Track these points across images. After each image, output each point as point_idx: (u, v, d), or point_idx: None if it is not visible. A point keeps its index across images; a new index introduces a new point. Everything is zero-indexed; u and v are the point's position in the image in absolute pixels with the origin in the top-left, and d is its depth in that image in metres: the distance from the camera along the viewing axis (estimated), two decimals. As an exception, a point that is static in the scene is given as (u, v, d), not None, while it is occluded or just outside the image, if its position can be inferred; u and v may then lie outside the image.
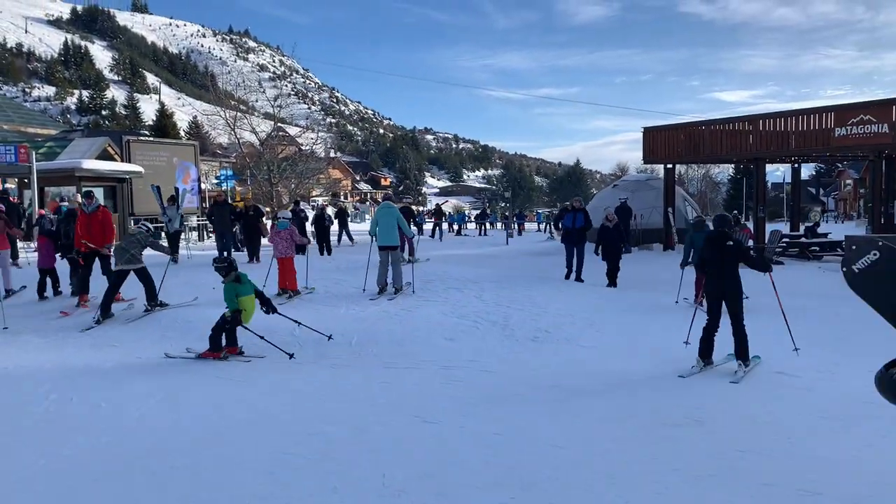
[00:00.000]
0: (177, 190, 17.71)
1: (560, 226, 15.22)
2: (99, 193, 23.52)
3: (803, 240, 20.92)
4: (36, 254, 12.61)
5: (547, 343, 8.72)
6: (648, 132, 22.18)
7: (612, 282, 13.35)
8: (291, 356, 8.05)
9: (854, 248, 3.45)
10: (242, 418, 5.80)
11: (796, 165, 24.53)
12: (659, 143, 21.91)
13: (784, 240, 20.73)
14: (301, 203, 26.50)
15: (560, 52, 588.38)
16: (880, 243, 3.46)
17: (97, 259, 11.23)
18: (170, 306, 10.87)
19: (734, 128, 20.27)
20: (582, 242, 13.93)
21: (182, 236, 18.66)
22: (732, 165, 49.10)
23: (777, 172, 58.07)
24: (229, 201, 19.05)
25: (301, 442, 5.16)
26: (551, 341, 8.82)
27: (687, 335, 7.86)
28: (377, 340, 8.88)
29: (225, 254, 15.31)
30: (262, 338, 8.15)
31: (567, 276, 13.86)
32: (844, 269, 3.43)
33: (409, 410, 5.95)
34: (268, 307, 8.50)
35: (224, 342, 8.15)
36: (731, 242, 7.33)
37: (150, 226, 12.07)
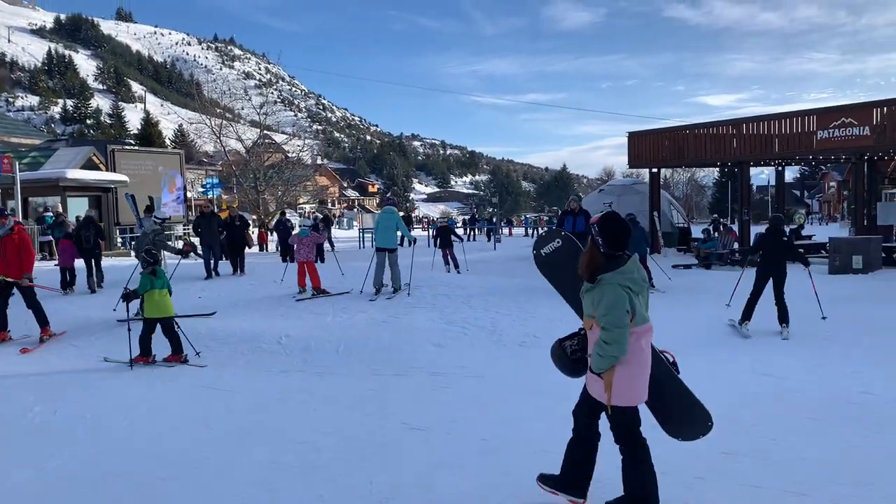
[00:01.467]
0: (151, 199, 16.34)
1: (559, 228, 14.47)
2: (83, 203, 23.45)
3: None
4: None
5: (535, 348, 8.72)
6: (634, 137, 22.32)
7: None
8: (198, 354, 8.55)
9: (543, 236, 4.50)
10: (230, 427, 5.77)
11: (780, 168, 24.78)
12: (644, 147, 22.05)
13: (769, 242, 20.85)
14: (287, 213, 26.39)
15: (547, 57, 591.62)
16: (563, 233, 4.50)
17: (18, 292, 9.41)
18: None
19: (718, 132, 20.44)
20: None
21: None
22: (717, 169, 49.45)
23: (762, 175, 58.73)
24: (216, 211, 18.36)
25: (289, 450, 5.14)
26: (539, 346, 8.82)
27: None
28: (364, 347, 8.86)
29: (212, 264, 15.24)
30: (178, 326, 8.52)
31: None
32: (534, 252, 4.45)
33: (397, 417, 5.94)
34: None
35: (139, 351, 8.30)
36: (786, 238, 9.51)
37: (161, 218, 12.59)
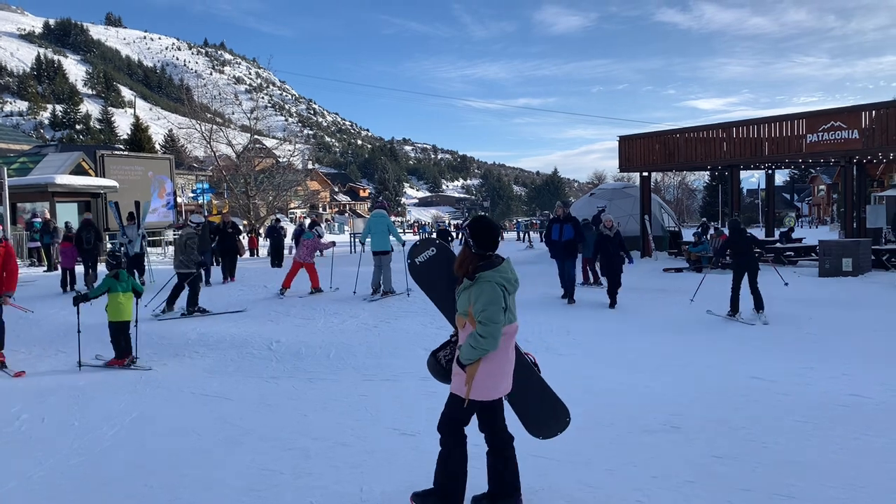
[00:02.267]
0: (137, 205, 15.56)
1: (548, 237, 13.40)
2: (72, 209, 23.33)
3: (778, 245, 21.17)
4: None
5: (527, 349, 8.72)
6: (624, 141, 22.40)
7: (612, 301, 11.87)
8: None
9: (418, 244, 4.68)
10: (219, 435, 5.72)
11: (770, 172, 24.89)
12: (635, 151, 22.12)
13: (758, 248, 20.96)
14: (281, 221, 26.31)
15: (537, 62, 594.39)
16: (437, 242, 4.68)
17: None
18: (210, 313, 11.61)
19: (708, 135, 20.53)
20: (572, 257, 12.35)
21: (146, 258, 16.26)
22: (708, 173, 49.66)
23: (752, 179, 58.98)
24: (206, 217, 18.21)
25: (279, 457, 5.11)
26: (530, 350, 8.81)
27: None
28: (355, 353, 8.82)
29: (203, 273, 15.04)
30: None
31: (564, 297, 12.43)
32: (409, 260, 4.65)
33: (388, 423, 5.91)
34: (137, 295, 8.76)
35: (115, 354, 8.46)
36: (748, 235, 11.25)
37: (197, 223, 12.98)
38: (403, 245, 13.40)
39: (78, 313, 8.54)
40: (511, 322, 3.92)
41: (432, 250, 4.54)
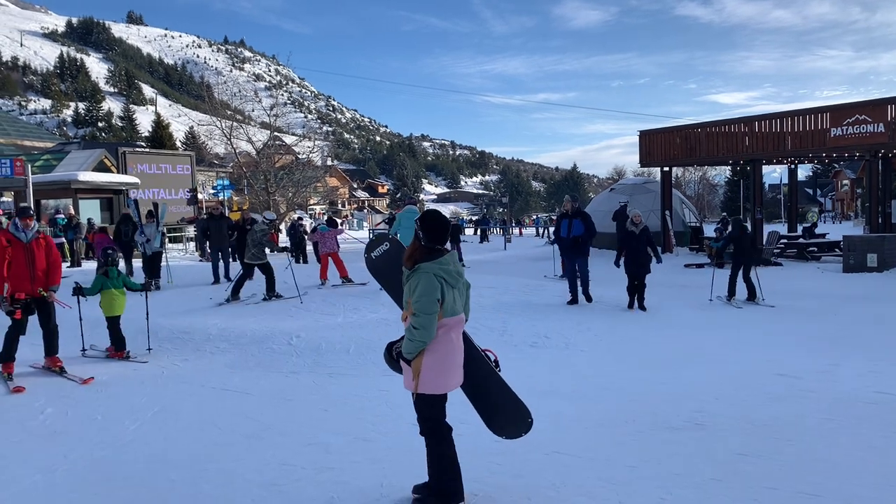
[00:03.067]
0: (156, 206, 15.59)
1: (557, 233, 12.35)
2: (95, 205, 23.57)
3: (801, 240, 20.92)
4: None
5: (545, 348, 8.69)
6: (645, 135, 22.22)
7: (640, 303, 11.13)
8: (149, 350, 8.97)
9: (373, 240, 4.86)
10: (240, 429, 5.75)
11: (793, 166, 24.58)
12: (655, 146, 21.94)
13: (782, 241, 20.74)
14: (302, 219, 26.42)
15: (557, 57, 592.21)
16: (391, 236, 4.85)
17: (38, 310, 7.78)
18: (283, 297, 12.46)
19: (730, 130, 20.31)
20: (583, 254, 11.52)
21: (164, 257, 15.33)
22: (729, 167, 49.17)
23: (774, 174, 58.30)
24: (225, 213, 17.98)
25: (300, 452, 5.12)
26: (550, 347, 8.79)
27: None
28: (375, 348, 8.80)
29: (221, 269, 15.12)
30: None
31: (571, 301, 11.47)
32: (366, 255, 4.79)
33: (407, 419, 5.88)
34: (145, 287, 9.25)
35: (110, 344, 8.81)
36: (751, 234, 12.10)
37: (270, 219, 14.00)
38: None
39: (78, 303, 8.72)
40: (454, 314, 3.96)
41: (386, 245, 4.68)
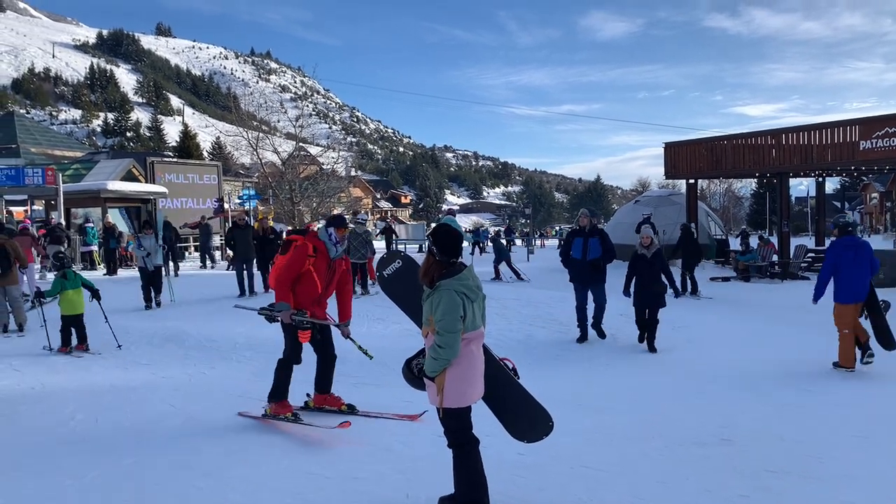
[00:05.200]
0: (150, 214, 14.69)
1: (566, 254, 10.13)
2: (118, 215, 23.90)
3: (829, 254, 20.60)
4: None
5: (570, 361, 8.64)
6: (670, 147, 22.09)
7: (649, 343, 9.26)
8: (119, 346, 9.67)
9: (384, 258, 4.86)
10: (266, 438, 5.78)
11: (820, 179, 24.28)
12: (681, 158, 21.80)
13: (809, 255, 20.48)
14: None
15: (583, 68, 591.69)
16: (402, 254, 4.83)
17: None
18: (370, 294, 13.94)
19: (757, 142, 20.12)
20: (598, 282, 9.76)
21: (164, 274, 14.08)
22: (755, 180, 48.73)
23: (801, 186, 57.61)
24: (250, 223, 16.74)
25: (325, 461, 5.13)
26: (574, 359, 8.75)
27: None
28: (399, 358, 8.73)
29: (245, 281, 14.57)
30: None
31: (581, 339, 9.82)
32: (378, 273, 4.84)
33: (433, 429, 5.87)
34: (95, 296, 9.81)
35: (75, 341, 9.56)
36: (696, 239, 15.54)
37: (363, 220, 15.36)
38: (482, 244, 15.55)
39: (41, 306, 9.85)
40: (475, 328, 3.97)
41: (399, 262, 4.66)
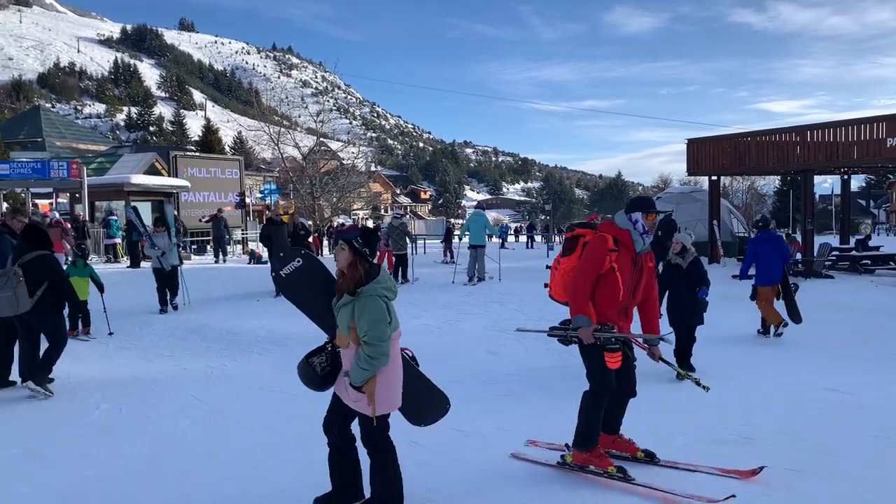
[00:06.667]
0: (161, 210, 13.29)
1: None
2: (147, 207, 24.17)
3: (854, 253, 20.40)
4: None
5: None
6: (693, 144, 21.92)
7: (680, 361, 7.76)
8: (111, 333, 10.06)
9: (282, 256, 4.37)
10: (287, 430, 5.84)
11: (846, 177, 23.97)
12: (703, 154, 21.63)
13: (833, 253, 20.26)
14: (344, 224, 26.69)
15: (606, 63, 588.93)
16: (303, 252, 4.35)
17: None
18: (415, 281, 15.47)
19: (781, 139, 19.91)
20: None
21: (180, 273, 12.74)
22: (779, 177, 48.17)
23: (825, 184, 56.90)
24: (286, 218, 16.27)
25: (345, 454, 5.17)
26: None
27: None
28: (419, 353, 8.80)
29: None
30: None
31: None
32: (273, 274, 4.76)
33: (452, 424, 5.90)
34: (100, 290, 10.18)
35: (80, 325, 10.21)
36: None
37: (401, 213, 16.22)
38: (503, 240, 15.83)
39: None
40: (397, 328, 3.88)
41: (298, 261, 4.29)
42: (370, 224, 33.86)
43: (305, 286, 4.27)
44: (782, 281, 9.89)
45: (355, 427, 4.07)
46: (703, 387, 5.04)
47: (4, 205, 23.99)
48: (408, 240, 15.96)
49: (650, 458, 4.87)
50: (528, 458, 5.01)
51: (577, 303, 4.66)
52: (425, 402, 4.45)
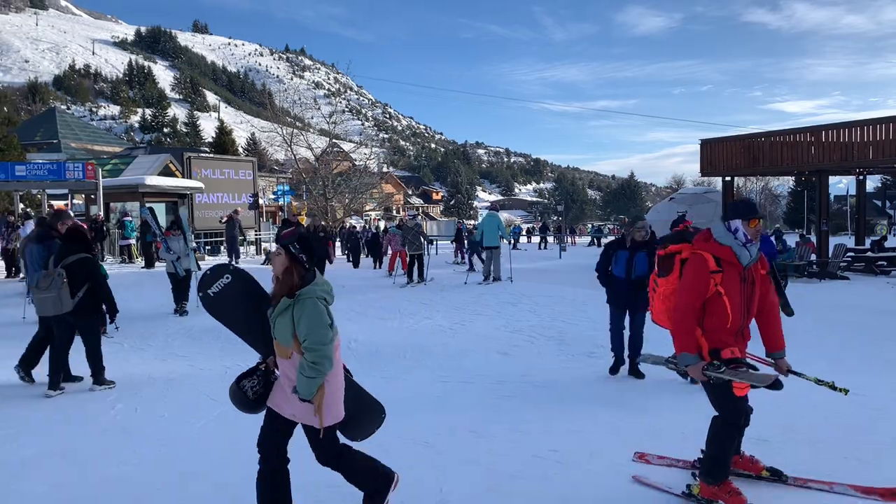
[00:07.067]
0: (177, 213, 13.40)
1: (604, 271, 7.88)
2: (161, 208, 24.33)
3: (869, 254, 20.24)
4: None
5: (603, 359, 8.59)
6: (706, 144, 21.83)
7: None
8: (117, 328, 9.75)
9: (208, 273, 3.99)
10: (300, 429, 5.84)
11: (861, 177, 23.79)
12: (717, 155, 21.53)
13: (849, 254, 20.11)
14: (356, 227, 26.82)
15: (618, 64, 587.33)
16: (231, 267, 4.06)
17: None
18: (429, 281, 15.51)
19: (795, 139, 19.78)
20: (642, 306, 7.35)
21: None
22: (793, 178, 47.85)
23: (840, 184, 56.43)
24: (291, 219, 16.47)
25: (359, 454, 5.18)
26: (608, 357, 8.69)
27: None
28: (431, 354, 8.90)
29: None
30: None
31: (614, 370, 7.81)
32: (201, 294, 4.01)
33: (465, 425, 5.93)
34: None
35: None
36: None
37: (414, 214, 15.59)
38: (509, 242, 16.23)
39: None
40: (337, 332, 3.75)
41: (227, 277, 3.98)
42: (382, 225, 33.85)
43: (236, 304, 3.98)
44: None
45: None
46: (842, 390, 4.52)
47: (48, 207, 24.23)
48: (423, 240, 16.14)
49: (776, 477, 4.51)
50: (651, 484, 4.51)
51: (680, 340, 4.16)
52: (364, 413, 4.29)
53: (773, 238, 19.84)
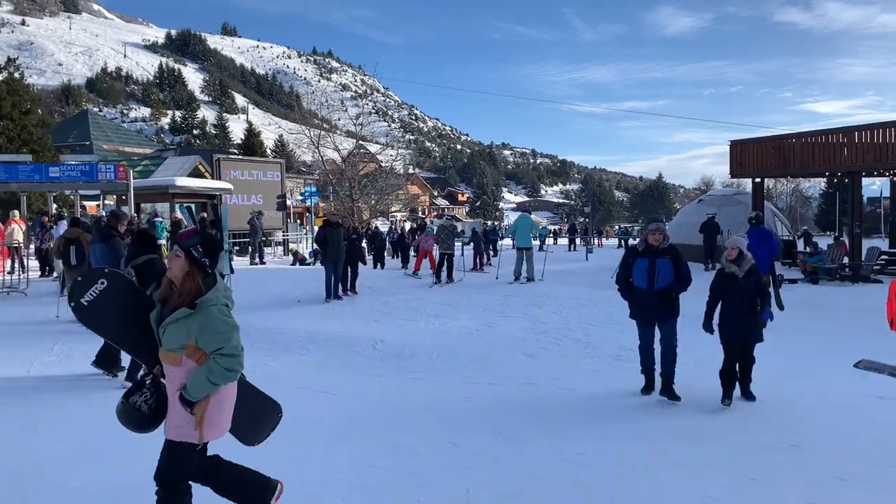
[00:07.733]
0: (216, 211, 13.40)
1: (625, 281, 7.16)
2: (183, 211, 24.62)
3: (904, 257, 19.84)
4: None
5: (630, 362, 8.51)
6: (736, 145, 21.54)
7: (743, 389, 6.73)
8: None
9: (80, 280, 3.61)
10: (327, 429, 5.89)
11: (895, 179, 23.32)
12: (747, 156, 21.23)
13: (882, 257, 19.73)
14: (379, 228, 26.94)
15: (648, 64, 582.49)
16: (106, 271, 3.75)
17: None
18: (453, 282, 15.37)
19: (827, 140, 19.44)
20: (669, 317, 6.92)
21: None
22: (824, 179, 47.07)
23: (873, 186, 55.41)
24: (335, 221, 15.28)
25: (387, 454, 5.21)
26: (635, 360, 8.62)
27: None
28: (457, 355, 8.90)
29: (334, 284, 12.97)
30: None
31: (646, 390, 7.04)
32: (73, 304, 3.60)
33: (491, 427, 5.92)
34: None
35: None
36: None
37: (450, 215, 15.95)
38: (541, 242, 17.07)
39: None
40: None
41: (102, 283, 3.64)
42: (407, 226, 33.92)
43: (116, 311, 3.68)
44: (769, 272, 11.07)
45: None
46: None
47: (80, 208, 24.69)
48: (456, 240, 16.28)
49: None
50: None
51: None
52: (260, 415, 4.12)
53: (801, 238, 19.58)
